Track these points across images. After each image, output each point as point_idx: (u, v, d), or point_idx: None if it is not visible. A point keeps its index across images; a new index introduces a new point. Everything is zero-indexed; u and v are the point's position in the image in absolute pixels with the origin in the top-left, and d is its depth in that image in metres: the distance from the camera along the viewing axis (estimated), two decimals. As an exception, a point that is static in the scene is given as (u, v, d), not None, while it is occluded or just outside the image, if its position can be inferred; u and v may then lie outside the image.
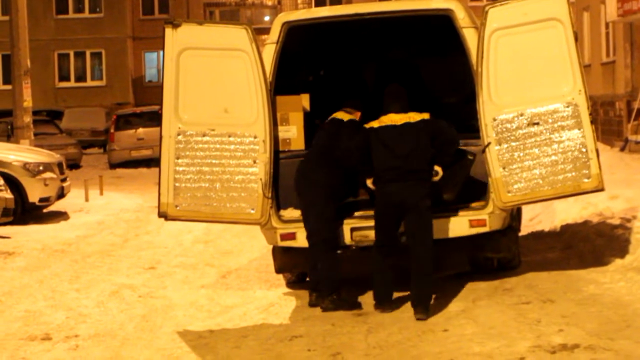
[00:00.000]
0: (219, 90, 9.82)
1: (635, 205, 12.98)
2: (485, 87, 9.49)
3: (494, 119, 9.47)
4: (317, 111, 10.47)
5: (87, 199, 19.99)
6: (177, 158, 9.80)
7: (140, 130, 30.70)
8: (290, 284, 10.78)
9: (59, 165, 18.06)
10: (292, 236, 9.83)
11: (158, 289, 10.94)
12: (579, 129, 9.37)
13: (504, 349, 7.67)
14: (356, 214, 9.84)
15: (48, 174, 17.35)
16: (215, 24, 10.25)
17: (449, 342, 8.03)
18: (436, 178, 9.31)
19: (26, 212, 16.97)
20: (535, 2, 9.44)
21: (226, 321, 9.39)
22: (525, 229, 13.31)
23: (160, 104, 9.85)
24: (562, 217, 13.63)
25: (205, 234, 14.69)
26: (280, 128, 10.04)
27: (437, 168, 9.31)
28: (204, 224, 13.26)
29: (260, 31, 27.69)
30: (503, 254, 10.21)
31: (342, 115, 9.84)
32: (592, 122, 9.39)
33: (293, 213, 9.90)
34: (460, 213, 9.65)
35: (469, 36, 9.72)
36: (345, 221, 9.75)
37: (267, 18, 52.26)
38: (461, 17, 9.81)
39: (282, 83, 10.16)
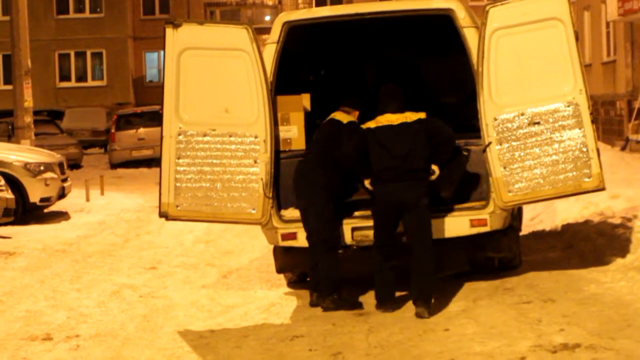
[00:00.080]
0: (220, 90, 9.82)
1: (636, 204, 12.98)
2: (486, 86, 9.49)
3: (495, 119, 9.47)
4: (318, 111, 10.47)
5: (88, 199, 19.99)
6: (178, 158, 9.80)
7: (141, 130, 30.70)
8: (291, 284, 10.78)
9: (60, 165, 18.06)
10: (293, 236, 9.84)
11: (159, 289, 10.95)
12: (580, 129, 9.37)
13: (505, 348, 7.67)
14: (357, 213, 9.84)
15: (49, 174, 17.35)
16: (216, 24, 10.25)
17: (450, 341, 8.03)
18: (433, 177, 9.34)
19: (27, 212, 16.97)
20: (536, 1, 9.44)
21: (227, 321, 9.39)
22: (526, 228, 13.31)
23: (161, 104, 9.85)
24: (563, 217, 13.64)
25: (206, 234, 14.69)
26: (281, 128, 10.05)
27: (434, 167, 9.34)
28: (205, 223, 13.27)
29: (260, 31, 27.70)
30: (504, 253, 10.22)
31: (340, 116, 9.81)
32: (592, 122, 9.39)
33: (294, 213, 9.90)
34: (461, 213, 9.66)
35: (470, 36, 9.72)
36: (346, 221, 9.76)
37: (267, 18, 52.24)
38: (462, 17, 9.82)
39: (282, 83, 10.16)
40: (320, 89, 11.20)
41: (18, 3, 21.33)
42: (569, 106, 9.39)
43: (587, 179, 9.40)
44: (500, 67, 9.48)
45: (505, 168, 9.47)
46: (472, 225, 9.63)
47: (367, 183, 9.55)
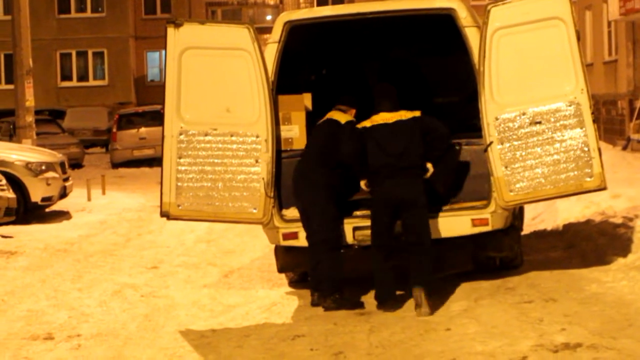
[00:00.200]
0: (221, 89, 9.82)
1: (638, 204, 12.98)
2: (488, 86, 9.49)
3: (496, 118, 9.47)
4: (319, 110, 10.47)
5: (89, 199, 19.99)
6: (180, 157, 9.80)
7: (143, 129, 30.72)
8: (293, 284, 10.79)
9: (62, 164, 18.06)
10: (294, 235, 9.84)
11: (160, 289, 10.95)
12: (581, 128, 9.36)
13: (507, 348, 7.67)
14: (358, 213, 9.85)
15: (50, 174, 17.35)
16: (217, 24, 10.26)
17: (451, 341, 8.03)
18: (427, 175, 9.37)
19: (28, 212, 16.97)
20: (538, 1, 9.44)
21: (228, 320, 9.39)
22: (528, 228, 13.31)
23: (163, 103, 9.84)
24: (565, 216, 13.63)
25: (207, 234, 14.69)
26: (282, 127, 10.05)
27: (428, 165, 9.39)
28: (206, 223, 13.30)
29: (262, 30, 27.68)
30: (505, 253, 10.21)
31: (338, 116, 9.79)
32: (594, 121, 9.39)
33: (295, 212, 9.90)
34: (463, 212, 9.66)
35: (471, 35, 9.72)
36: (347, 220, 9.76)
37: (269, 17, 52.24)
38: (463, 17, 9.82)
39: (284, 82, 10.16)
40: (321, 89, 11.19)
41: (20, 2, 21.33)
42: (570, 106, 9.39)
43: (588, 179, 9.39)
44: (501, 67, 9.48)
45: (506, 167, 9.47)
46: (474, 225, 9.63)
47: (362, 184, 9.62)
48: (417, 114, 9.38)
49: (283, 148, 10.05)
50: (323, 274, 9.47)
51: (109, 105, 43.37)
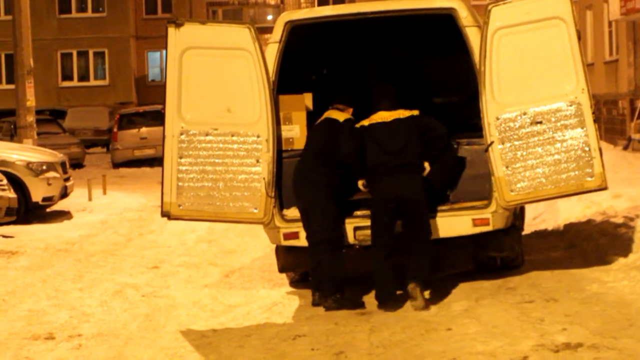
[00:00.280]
0: (222, 89, 9.82)
1: (639, 204, 12.98)
2: (488, 86, 9.49)
3: (497, 118, 9.47)
4: (320, 110, 10.47)
5: (90, 199, 20.00)
6: (180, 157, 9.80)
7: (143, 129, 30.73)
8: (294, 283, 10.79)
9: (62, 164, 18.06)
10: (295, 235, 9.84)
11: (161, 289, 10.95)
12: (582, 128, 9.36)
13: (508, 347, 7.67)
14: (359, 213, 9.84)
15: (51, 174, 17.35)
16: (218, 23, 10.27)
17: (452, 341, 8.02)
18: (424, 174, 9.40)
19: (29, 212, 16.98)
20: (538, 0, 9.43)
21: (229, 320, 9.39)
22: (529, 227, 13.31)
23: (163, 103, 9.85)
24: (566, 216, 13.63)
25: (208, 233, 14.69)
26: (283, 127, 10.05)
27: (425, 164, 9.41)
28: (207, 223, 13.30)
29: (263, 30, 27.64)
30: (506, 252, 10.21)
31: (336, 115, 9.80)
32: (595, 121, 9.39)
33: (296, 212, 9.90)
34: (464, 212, 9.65)
35: (472, 35, 9.72)
36: (348, 220, 9.76)
37: (270, 17, 52.26)
38: (464, 16, 9.82)
39: (285, 82, 10.16)
40: (322, 89, 11.19)
41: (20, 2, 21.33)
42: (571, 105, 9.38)
43: (589, 179, 9.39)
44: (502, 67, 9.48)
45: (507, 167, 9.47)
46: (475, 225, 9.62)
47: (360, 184, 9.64)
48: (415, 112, 9.42)
49: (284, 148, 10.05)
50: (324, 273, 9.47)
51: (109, 105, 43.39)
